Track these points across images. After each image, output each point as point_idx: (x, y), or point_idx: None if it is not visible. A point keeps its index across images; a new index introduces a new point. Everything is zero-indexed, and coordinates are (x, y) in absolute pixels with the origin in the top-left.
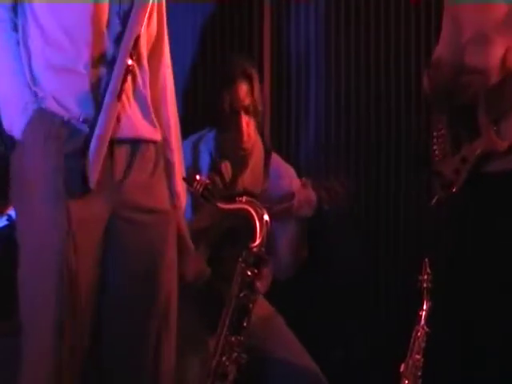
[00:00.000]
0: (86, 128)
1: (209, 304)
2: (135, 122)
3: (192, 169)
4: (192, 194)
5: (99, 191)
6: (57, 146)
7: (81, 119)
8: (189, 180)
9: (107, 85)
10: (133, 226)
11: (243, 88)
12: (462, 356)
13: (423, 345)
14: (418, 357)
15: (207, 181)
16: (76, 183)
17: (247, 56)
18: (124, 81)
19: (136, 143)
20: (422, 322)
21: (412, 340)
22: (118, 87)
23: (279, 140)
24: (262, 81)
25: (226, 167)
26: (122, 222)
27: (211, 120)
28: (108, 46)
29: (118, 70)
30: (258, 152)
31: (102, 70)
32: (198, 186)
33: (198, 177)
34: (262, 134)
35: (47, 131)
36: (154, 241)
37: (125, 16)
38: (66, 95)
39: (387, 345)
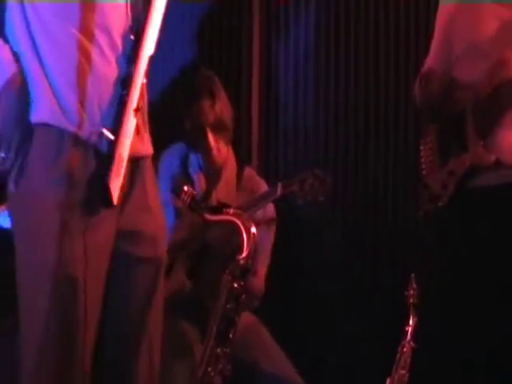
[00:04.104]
0: (101, 145)
1: (193, 315)
2: (144, 139)
3: (181, 178)
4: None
5: (110, 213)
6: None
7: (94, 136)
8: (176, 191)
9: (123, 102)
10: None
11: (206, 104)
12: (449, 371)
13: (409, 360)
14: (403, 372)
15: (194, 192)
16: (98, 200)
17: (209, 72)
18: (141, 98)
19: (137, 160)
20: (408, 337)
21: (398, 355)
22: (135, 104)
23: (267, 153)
24: (250, 92)
25: (200, 180)
26: (121, 255)
27: (179, 136)
28: (122, 64)
29: (135, 88)
30: (231, 166)
31: (117, 88)
32: (186, 197)
33: (185, 188)
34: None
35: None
36: (149, 277)
37: (138, 34)
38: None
39: (373, 359)
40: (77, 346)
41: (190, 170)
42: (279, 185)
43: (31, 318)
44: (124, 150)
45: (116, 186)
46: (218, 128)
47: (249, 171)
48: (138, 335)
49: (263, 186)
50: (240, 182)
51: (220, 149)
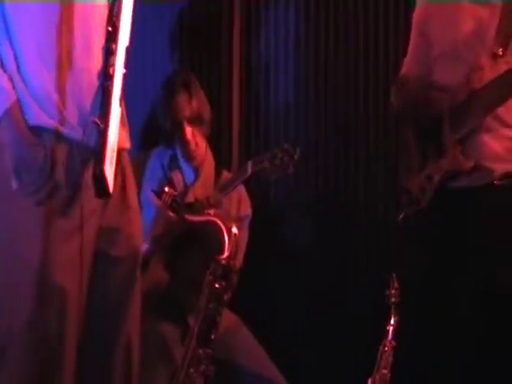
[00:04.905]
0: (87, 138)
1: (171, 314)
2: (123, 131)
3: (163, 179)
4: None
5: (95, 211)
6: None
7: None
8: (158, 192)
9: (107, 93)
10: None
11: (182, 99)
12: (428, 371)
13: (390, 359)
14: (385, 372)
15: (175, 193)
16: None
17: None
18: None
19: (118, 152)
20: (390, 336)
21: (379, 355)
22: (120, 95)
23: (248, 148)
24: (230, 87)
25: (178, 178)
26: (100, 254)
27: (158, 134)
28: (102, 56)
29: (118, 78)
30: (209, 165)
31: (100, 80)
32: (167, 198)
33: (166, 189)
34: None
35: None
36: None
37: (114, 26)
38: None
39: (354, 358)
40: (57, 361)
41: (170, 172)
42: (249, 163)
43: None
44: (113, 141)
45: (110, 175)
46: (196, 122)
47: (226, 175)
48: (115, 335)
49: (241, 189)
50: (217, 183)
51: (198, 143)
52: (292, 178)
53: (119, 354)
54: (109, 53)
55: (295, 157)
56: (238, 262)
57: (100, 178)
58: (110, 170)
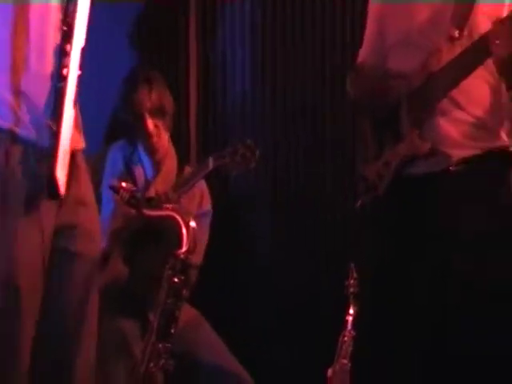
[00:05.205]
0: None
1: (130, 309)
2: (78, 131)
3: (122, 175)
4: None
5: (50, 208)
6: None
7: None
8: (115, 188)
9: (61, 94)
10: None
11: (143, 91)
12: (386, 358)
13: (350, 349)
14: (345, 361)
15: (133, 188)
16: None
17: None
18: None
19: (73, 153)
20: (349, 326)
21: (339, 345)
22: (73, 96)
23: (206, 141)
24: (187, 84)
25: (139, 173)
26: (56, 251)
27: (121, 129)
28: (57, 58)
29: (73, 79)
30: (171, 159)
31: (54, 81)
32: (125, 194)
33: (123, 184)
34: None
35: None
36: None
37: (69, 26)
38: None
39: (314, 349)
40: (14, 359)
41: (132, 166)
42: (210, 158)
43: None
44: (66, 142)
45: (62, 178)
46: (157, 114)
47: (188, 170)
48: (72, 333)
49: (202, 185)
50: (179, 178)
51: (160, 135)
52: (253, 172)
53: (77, 351)
54: (63, 54)
55: (256, 152)
56: (199, 257)
57: (51, 180)
58: (62, 172)
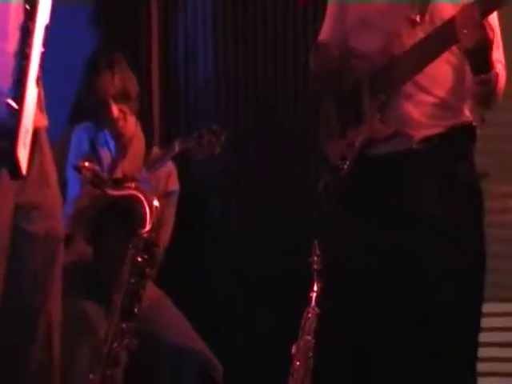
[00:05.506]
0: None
1: (94, 289)
2: (41, 109)
3: (85, 155)
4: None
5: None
6: None
7: None
8: (78, 167)
9: (23, 73)
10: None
11: (105, 77)
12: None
13: (314, 326)
14: (308, 338)
15: (96, 167)
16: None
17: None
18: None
19: (35, 131)
20: (313, 303)
21: (303, 321)
22: (37, 74)
23: (168, 130)
24: (149, 71)
25: (105, 154)
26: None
27: (85, 112)
28: (19, 36)
29: (36, 57)
30: (138, 141)
31: (17, 59)
32: (87, 173)
33: (86, 164)
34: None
35: None
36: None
37: (32, 4)
38: None
39: (278, 325)
40: None
41: (98, 147)
42: (176, 142)
43: None
44: (29, 121)
45: (24, 157)
46: (122, 98)
47: (156, 151)
48: (35, 312)
49: (170, 165)
50: (147, 159)
51: (127, 119)
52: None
53: (39, 332)
54: (26, 32)
55: (222, 138)
56: (166, 236)
57: (13, 160)
58: (23, 152)
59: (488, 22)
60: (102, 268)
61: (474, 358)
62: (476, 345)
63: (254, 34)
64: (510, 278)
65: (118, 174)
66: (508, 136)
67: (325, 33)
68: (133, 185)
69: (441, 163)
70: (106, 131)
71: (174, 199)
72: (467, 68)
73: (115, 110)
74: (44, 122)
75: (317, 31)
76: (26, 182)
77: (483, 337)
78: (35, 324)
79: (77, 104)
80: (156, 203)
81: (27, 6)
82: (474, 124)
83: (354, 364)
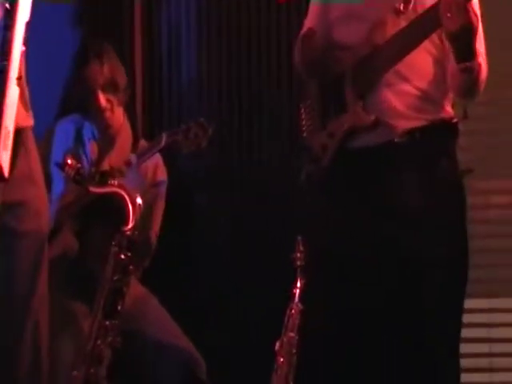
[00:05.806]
0: None
1: (79, 286)
2: (25, 109)
3: (69, 151)
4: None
5: None
6: None
7: None
8: (61, 165)
9: (4, 71)
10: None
11: (94, 66)
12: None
13: (297, 322)
14: (292, 334)
15: (78, 165)
16: None
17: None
18: (21, 67)
19: (20, 131)
20: (296, 299)
21: (286, 318)
22: (17, 73)
23: (152, 123)
24: (132, 66)
25: (93, 147)
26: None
27: (72, 105)
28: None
29: (16, 57)
30: (126, 132)
31: None
32: (70, 171)
33: (69, 161)
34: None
35: None
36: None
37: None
38: None
39: (262, 322)
40: None
41: (85, 139)
42: (163, 135)
43: None
44: (10, 122)
45: (5, 159)
46: (110, 88)
47: (143, 143)
48: (22, 311)
49: (157, 156)
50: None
51: (114, 110)
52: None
53: (27, 330)
54: (5, 31)
55: (209, 131)
56: (156, 227)
57: None
58: (5, 154)
59: (472, 7)
60: (86, 264)
61: (455, 350)
62: (458, 338)
63: (237, 28)
64: (492, 273)
65: (105, 166)
66: (490, 131)
67: (308, 25)
68: (116, 182)
69: (422, 157)
70: (94, 123)
71: (163, 190)
72: (448, 61)
73: (102, 99)
74: (30, 122)
75: (300, 26)
76: (12, 181)
77: (466, 332)
78: (23, 323)
79: (63, 98)
80: (139, 201)
81: (7, 5)
82: (456, 120)
83: (339, 352)
